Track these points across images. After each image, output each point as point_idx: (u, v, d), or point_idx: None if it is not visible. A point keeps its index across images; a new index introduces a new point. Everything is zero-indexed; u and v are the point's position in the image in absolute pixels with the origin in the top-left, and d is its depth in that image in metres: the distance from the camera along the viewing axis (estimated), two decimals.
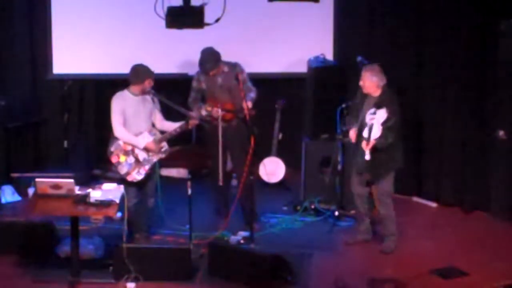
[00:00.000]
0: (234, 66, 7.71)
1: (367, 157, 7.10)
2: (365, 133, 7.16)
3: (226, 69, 7.70)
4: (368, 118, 7.17)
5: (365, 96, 7.32)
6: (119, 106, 7.22)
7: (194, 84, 7.82)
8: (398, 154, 7.33)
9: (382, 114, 7.12)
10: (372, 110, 7.17)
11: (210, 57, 7.62)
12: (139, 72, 7.25)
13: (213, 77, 7.69)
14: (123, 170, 7.26)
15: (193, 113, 7.34)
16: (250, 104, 7.56)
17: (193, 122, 7.32)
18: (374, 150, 7.10)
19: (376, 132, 7.11)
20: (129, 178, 7.25)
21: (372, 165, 7.17)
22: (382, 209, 7.42)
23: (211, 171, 8.17)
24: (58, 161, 9.40)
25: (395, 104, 7.19)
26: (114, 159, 7.27)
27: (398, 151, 7.30)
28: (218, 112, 7.48)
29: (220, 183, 7.48)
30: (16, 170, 8.98)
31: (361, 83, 7.31)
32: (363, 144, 7.14)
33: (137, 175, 7.26)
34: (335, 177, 8.26)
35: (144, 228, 7.52)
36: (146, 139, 7.25)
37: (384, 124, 7.10)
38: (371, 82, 7.23)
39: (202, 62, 7.65)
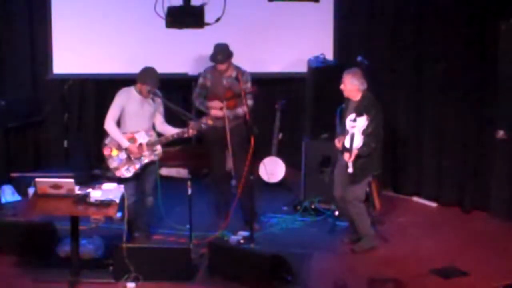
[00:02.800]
0: (242, 74, 7.73)
1: (350, 170, 7.11)
2: (346, 143, 7.14)
3: (234, 73, 7.70)
4: (349, 125, 7.16)
5: (348, 101, 7.31)
6: (121, 101, 7.28)
7: (200, 80, 7.85)
8: (377, 159, 7.30)
9: (362, 122, 7.09)
10: (352, 116, 7.15)
11: (223, 50, 7.64)
12: (140, 73, 7.30)
13: (219, 77, 7.69)
14: (113, 164, 7.30)
15: (193, 124, 7.32)
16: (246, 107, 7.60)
17: (191, 132, 7.33)
18: (356, 158, 7.10)
19: (358, 141, 7.10)
20: (117, 174, 7.29)
21: (345, 170, 7.17)
22: (353, 212, 7.37)
23: (212, 171, 8.18)
24: (58, 161, 9.41)
25: (375, 109, 7.16)
26: (106, 152, 7.31)
27: (373, 157, 7.25)
28: (222, 110, 7.52)
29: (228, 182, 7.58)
30: (16, 170, 8.98)
31: (341, 86, 7.28)
32: (346, 156, 7.14)
33: (125, 172, 7.28)
34: None
35: (144, 227, 7.53)
36: (141, 139, 7.28)
37: (365, 131, 7.10)
38: (351, 85, 7.21)
39: (214, 54, 7.67)
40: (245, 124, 7.59)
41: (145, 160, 7.31)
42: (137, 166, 7.31)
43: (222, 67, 7.66)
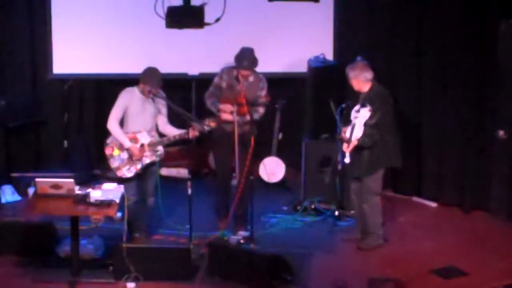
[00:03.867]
0: (259, 80, 7.71)
1: (347, 160, 7.12)
2: (347, 133, 7.16)
3: (251, 78, 7.67)
4: (353, 115, 7.18)
5: (359, 94, 7.34)
6: (124, 101, 7.28)
7: (216, 80, 7.77)
8: (385, 152, 7.28)
9: (364, 113, 7.08)
10: (357, 107, 7.17)
11: (250, 56, 7.58)
12: (143, 73, 7.31)
13: (235, 81, 7.64)
14: (114, 163, 7.30)
15: (195, 126, 7.31)
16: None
17: (193, 134, 7.32)
18: (357, 148, 7.10)
19: (358, 132, 7.09)
20: (119, 174, 7.28)
21: (355, 162, 7.18)
22: (366, 206, 7.40)
23: (216, 173, 8.13)
24: (58, 161, 9.41)
25: (382, 100, 7.17)
26: (107, 151, 7.31)
27: (384, 149, 7.25)
28: (233, 114, 7.49)
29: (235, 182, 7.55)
30: (16, 170, 8.98)
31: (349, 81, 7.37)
32: (344, 146, 7.15)
33: (127, 172, 7.28)
34: (335, 177, 8.26)
35: (144, 227, 7.53)
36: (143, 139, 7.28)
37: (367, 122, 7.09)
38: (352, 79, 7.28)
39: (241, 57, 7.57)
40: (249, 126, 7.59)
41: (147, 160, 7.31)
42: (139, 166, 7.30)
43: (246, 73, 7.60)
